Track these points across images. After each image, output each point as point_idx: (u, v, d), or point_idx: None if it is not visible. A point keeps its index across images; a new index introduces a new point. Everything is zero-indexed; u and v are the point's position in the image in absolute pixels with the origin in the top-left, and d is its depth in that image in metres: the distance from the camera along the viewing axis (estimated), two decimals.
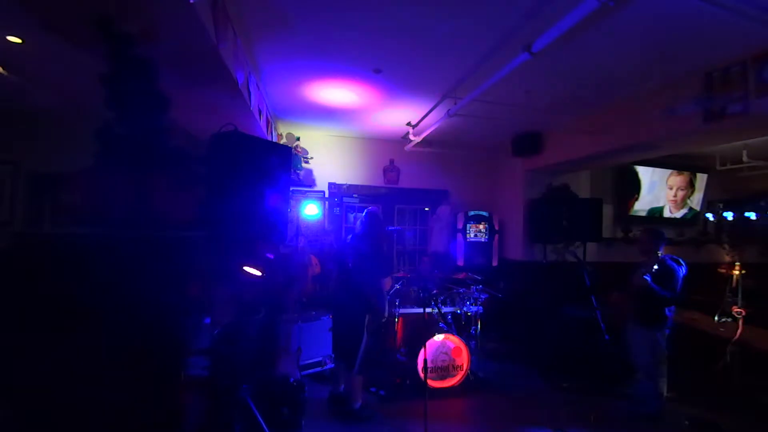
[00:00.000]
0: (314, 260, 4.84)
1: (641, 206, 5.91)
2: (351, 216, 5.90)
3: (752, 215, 4.95)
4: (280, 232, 2.44)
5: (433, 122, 4.36)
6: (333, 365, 3.87)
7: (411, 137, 4.98)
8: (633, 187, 5.83)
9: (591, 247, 5.29)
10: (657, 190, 5.95)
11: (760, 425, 3.31)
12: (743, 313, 3.66)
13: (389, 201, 5.99)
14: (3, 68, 2.69)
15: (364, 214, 3.45)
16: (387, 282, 3.36)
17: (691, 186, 6.14)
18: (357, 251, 3.31)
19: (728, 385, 3.66)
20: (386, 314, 3.38)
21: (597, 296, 3.41)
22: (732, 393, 3.59)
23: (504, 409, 3.68)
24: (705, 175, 6.14)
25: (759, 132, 3.34)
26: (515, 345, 5.09)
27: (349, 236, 3.50)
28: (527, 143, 4.99)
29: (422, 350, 2.98)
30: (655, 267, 3.21)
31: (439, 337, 3.84)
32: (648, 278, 3.18)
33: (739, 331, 3.66)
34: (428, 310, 3.89)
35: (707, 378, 3.82)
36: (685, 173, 6.07)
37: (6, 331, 1.72)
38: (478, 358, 4.43)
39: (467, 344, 3.96)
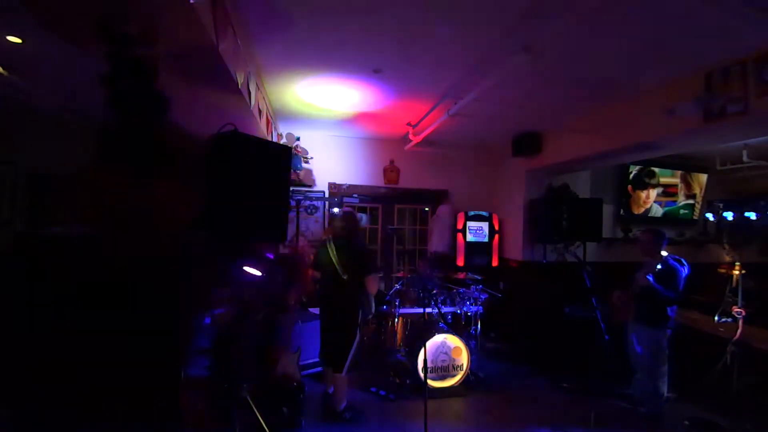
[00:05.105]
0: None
1: (642, 206, 5.92)
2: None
3: (752, 215, 4.94)
4: (280, 232, 2.43)
5: (433, 122, 4.36)
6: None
7: (411, 137, 4.98)
8: (634, 186, 5.83)
9: (591, 247, 5.29)
10: (657, 189, 5.96)
11: (760, 425, 3.31)
12: (743, 313, 3.65)
13: (389, 201, 5.99)
14: (3, 68, 2.69)
15: (339, 215, 3.46)
16: (373, 281, 3.33)
17: (691, 186, 6.14)
18: (339, 251, 3.30)
19: (728, 385, 3.65)
20: (373, 311, 3.40)
21: (597, 296, 3.42)
22: (732, 393, 3.59)
23: (504, 409, 3.68)
24: (705, 175, 6.15)
25: (759, 132, 3.34)
26: (515, 345, 5.09)
27: (328, 237, 3.49)
28: (527, 143, 4.99)
29: (422, 350, 2.98)
30: (659, 267, 3.21)
31: (439, 337, 3.84)
32: (651, 278, 3.18)
33: (739, 331, 3.65)
34: (428, 310, 3.90)
35: (707, 378, 3.82)
36: (685, 173, 6.07)
37: (6, 331, 1.72)
38: (478, 358, 4.44)
39: (467, 344, 3.97)
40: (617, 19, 2.37)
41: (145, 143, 1.82)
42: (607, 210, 5.62)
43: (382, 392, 3.82)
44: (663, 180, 5.97)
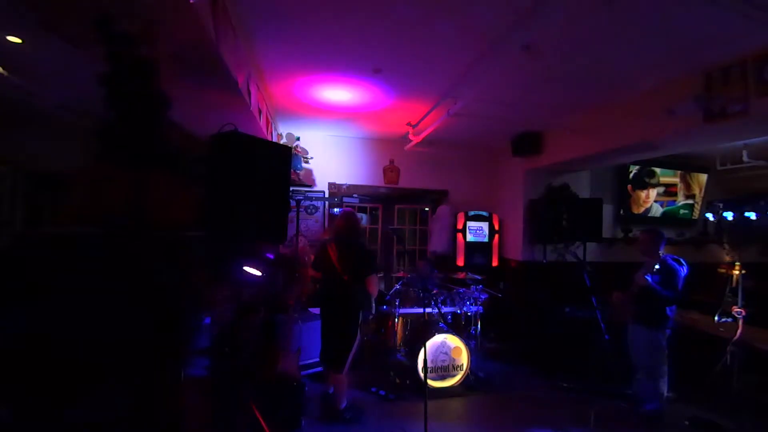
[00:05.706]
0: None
1: (642, 206, 5.92)
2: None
3: (752, 215, 4.94)
4: (280, 232, 2.43)
5: (433, 122, 4.36)
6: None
7: (411, 137, 4.98)
8: (634, 186, 5.83)
9: (591, 247, 5.29)
10: (657, 189, 5.96)
11: (760, 425, 3.31)
12: (743, 313, 3.65)
13: (389, 201, 5.99)
14: (3, 68, 2.69)
15: (339, 215, 3.48)
16: (374, 282, 3.33)
17: (690, 186, 6.15)
18: (340, 252, 3.30)
19: (728, 385, 3.66)
20: (374, 311, 3.41)
21: (597, 296, 3.42)
22: (732, 393, 3.59)
23: (504, 409, 3.68)
24: (705, 175, 6.15)
25: (759, 132, 3.34)
26: (515, 345, 5.09)
27: (329, 237, 3.50)
28: (527, 143, 4.99)
29: (422, 350, 2.98)
30: (657, 267, 3.21)
31: (439, 337, 3.84)
32: (649, 278, 3.18)
33: (739, 331, 3.65)
34: (428, 310, 3.90)
35: (707, 378, 3.82)
36: (685, 173, 6.08)
37: (6, 331, 1.72)
38: (478, 358, 4.43)
39: (467, 344, 3.97)
40: (618, 19, 2.37)
41: (144, 143, 1.82)
42: (607, 210, 5.61)
43: (382, 392, 3.82)
44: (663, 180, 5.97)
